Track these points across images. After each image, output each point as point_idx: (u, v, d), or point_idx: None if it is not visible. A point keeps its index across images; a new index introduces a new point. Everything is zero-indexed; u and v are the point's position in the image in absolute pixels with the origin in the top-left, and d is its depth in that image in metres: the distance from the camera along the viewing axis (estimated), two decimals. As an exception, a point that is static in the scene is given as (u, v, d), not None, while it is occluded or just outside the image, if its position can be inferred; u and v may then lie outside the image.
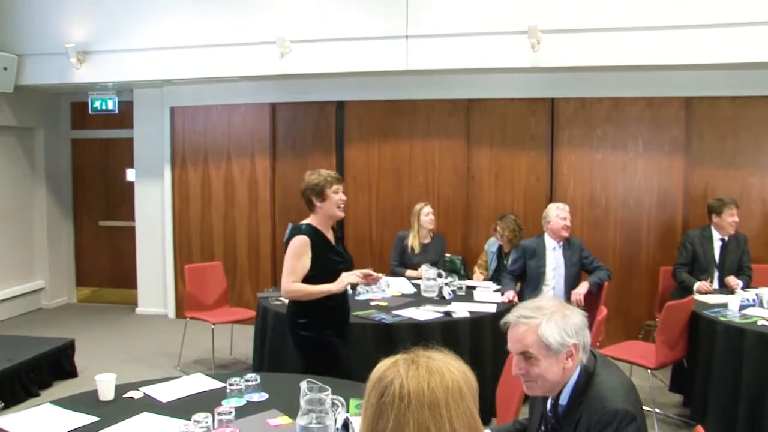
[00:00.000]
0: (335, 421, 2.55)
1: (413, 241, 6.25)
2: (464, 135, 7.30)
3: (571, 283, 5.57)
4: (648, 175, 6.88)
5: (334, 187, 3.95)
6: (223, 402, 2.90)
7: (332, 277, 3.84)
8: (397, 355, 1.53)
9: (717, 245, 5.83)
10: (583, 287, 5.49)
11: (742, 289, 5.46)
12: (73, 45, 7.29)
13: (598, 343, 4.90)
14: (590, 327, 2.27)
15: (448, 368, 1.48)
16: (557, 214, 5.65)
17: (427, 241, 6.31)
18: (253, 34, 6.98)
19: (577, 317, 2.22)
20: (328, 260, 3.89)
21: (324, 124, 7.77)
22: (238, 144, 8.03)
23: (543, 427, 2.34)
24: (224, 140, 8.07)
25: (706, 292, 5.50)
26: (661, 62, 6.14)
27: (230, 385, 3.03)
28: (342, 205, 4.00)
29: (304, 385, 2.69)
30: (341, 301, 4.00)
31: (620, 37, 6.13)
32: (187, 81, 7.72)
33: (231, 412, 2.68)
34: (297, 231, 3.91)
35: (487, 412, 3.95)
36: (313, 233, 3.89)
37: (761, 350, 4.33)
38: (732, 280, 5.59)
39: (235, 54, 7.09)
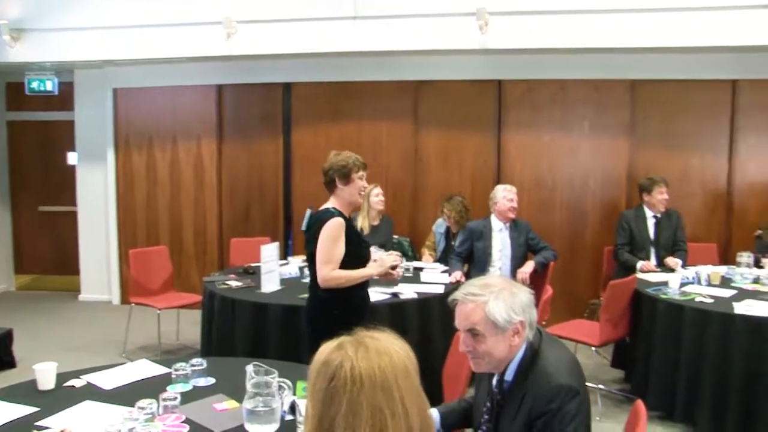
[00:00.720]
0: (282, 404, 2.54)
1: (363, 223, 6.24)
2: (412, 117, 7.30)
3: (517, 264, 5.64)
4: (593, 157, 6.99)
5: (360, 172, 3.75)
6: (168, 388, 2.85)
7: (361, 263, 3.70)
8: (340, 337, 1.51)
9: (651, 223, 6.00)
10: (528, 266, 5.57)
11: (682, 266, 5.63)
12: (6, 21, 7.02)
13: (543, 322, 4.97)
14: (536, 306, 2.30)
15: (394, 348, 1.48)
16: (504, 195, 5.70)
17: (376, 222, 6.30)
18: (199, 14, 6.84)
19: (524, 295, 2.24)
20: (356, 245, 3.72)
21: (271, 106, 7.68)
22: (183, 126, 7.88)
23: (489, 403, 2.36)
24: (169, 122, 7.91)
25: (649, 271, 5.64)
26: (606, 45, 6.23)
27: (176, 370, 2.97)
28: (363, 193, 3.82)
29: (250, 368, 2.66)
30: (367, 288, 3.87)
31: (567, 20, 6.20)
32: (131, 62, 7.52)
33: (176, 398, 2.64)
34: (327, 214, 3.64)
35: (436, 391, 3.98)
36: (343, 216, 3.68)
37: (699, 326, 4.47)
38: (671, 261, 5.75)
39: (180, 34, 6.93)
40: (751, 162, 6.74)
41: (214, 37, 6.77)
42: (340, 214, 3.66)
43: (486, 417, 2.37)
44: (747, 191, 6.73)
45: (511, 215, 5.70)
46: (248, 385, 2.51)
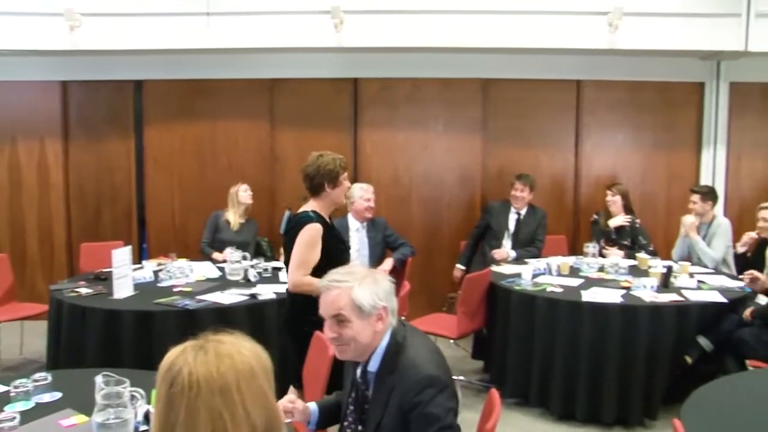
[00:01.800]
0: (136, 414, 2.44)
1: (233, 219, 6.24)
2: (268, 115, 7.21)
3: (375, 263, 5.72)
4: (448, 154, 7.19)
5: (345, 173, 3.77)
6: (5, 408, 2.66)
7: (338, 266, 3.60)
8: (187, 342, 1.47)
9: (512, 217, 6.34)
10: (387, 264, 5.66)
11: (515, 258, 6.10)
12: None
13: (403, 317, 5.04)
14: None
15: (239, 350, 1.46)
16: (361, 195, 5.75)
17: (243, 220, 6.33)
18: (39, 3, 6.42)
19: (386, 283, 2.32)
20: (336, 249, 3.70)
21: (121, 105, 7.34)
22: (24, 125, 7.35)
23: (354, 394, 2.39)
24: (8, 121, 7.35)
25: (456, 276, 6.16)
26: (458, 45, 6.41)
27: (15, 387, 2.76)
28: (346, 192, 3.84)
29: (99, 379, 2.53)
30: None
31: (420, 20, 6.33)
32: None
33: (15, 418, 2.46)
34: (306, 219, 3.65)
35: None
36: (323, 222, 3.66)
37: (550, 314, 4.74)
38: (499, 253, 6.20)
39: (18, 25, 6.47)
40: (595, 157, 7.18)
41: (56, 29, 6.35)
42: (319, 219, 3.66)
43: (351, 408, 2.39)
44: (593, 185, 7.15)
45: (368, 215, 5.76)
46: (98, 397, 2.39)
